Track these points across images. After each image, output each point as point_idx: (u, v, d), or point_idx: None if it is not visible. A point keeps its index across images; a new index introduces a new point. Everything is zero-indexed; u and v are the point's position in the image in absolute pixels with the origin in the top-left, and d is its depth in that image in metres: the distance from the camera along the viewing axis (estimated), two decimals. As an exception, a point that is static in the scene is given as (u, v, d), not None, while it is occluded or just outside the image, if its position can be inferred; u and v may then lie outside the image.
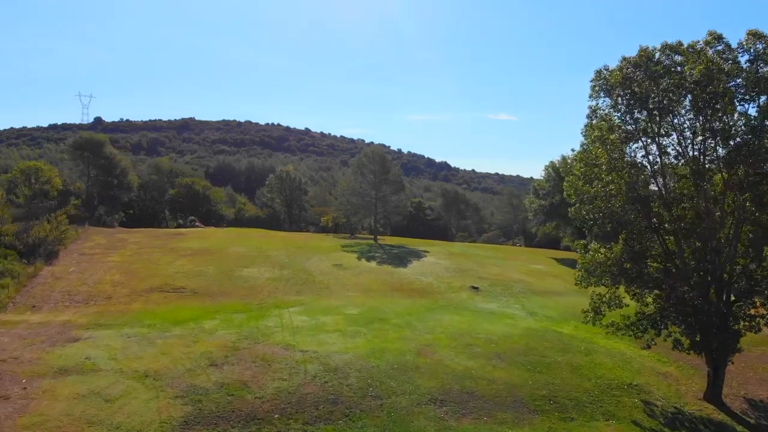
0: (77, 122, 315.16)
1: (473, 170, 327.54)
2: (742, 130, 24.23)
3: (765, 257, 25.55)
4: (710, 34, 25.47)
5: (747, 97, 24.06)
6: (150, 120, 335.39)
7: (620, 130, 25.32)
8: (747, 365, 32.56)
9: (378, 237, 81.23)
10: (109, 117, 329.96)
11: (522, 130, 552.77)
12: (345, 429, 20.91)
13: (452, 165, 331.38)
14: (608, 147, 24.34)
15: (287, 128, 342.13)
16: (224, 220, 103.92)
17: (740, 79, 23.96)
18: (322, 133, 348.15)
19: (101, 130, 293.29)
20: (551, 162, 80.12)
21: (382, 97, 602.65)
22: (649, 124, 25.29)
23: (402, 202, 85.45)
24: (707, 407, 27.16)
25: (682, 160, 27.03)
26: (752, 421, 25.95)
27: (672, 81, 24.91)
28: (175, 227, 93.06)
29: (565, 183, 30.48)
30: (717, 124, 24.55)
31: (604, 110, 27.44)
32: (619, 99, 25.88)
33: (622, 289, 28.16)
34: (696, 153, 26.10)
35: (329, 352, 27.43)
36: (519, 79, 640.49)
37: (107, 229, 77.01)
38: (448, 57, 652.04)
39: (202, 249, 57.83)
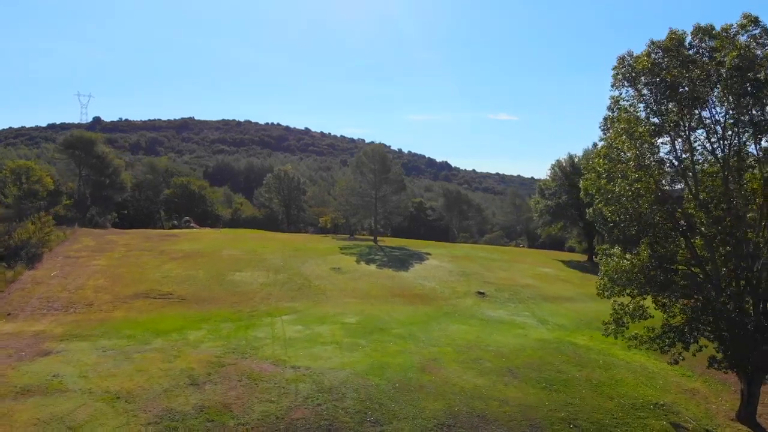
0: (76, 122, 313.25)
1: (474, 170, 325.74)
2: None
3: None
4: (745, 17, 22.83)
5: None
6: (149, 120, 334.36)
7: (648, 123, 22.65)
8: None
9: (378, 238, 78.56)
10: (108, 117, 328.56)
11: (522, 130, 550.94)
12: (340, 462, 18.28)
13: (453, 165, 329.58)
14: (636, 141, 21.65)
15: (287, 128, 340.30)
16: (220, 220, 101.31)
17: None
18: (322, 132, 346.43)
19: (100, 130, 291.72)
20: (557, 161, 77.50)
21: (382, 97, 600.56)
22: (679, 117, 22.60)
23: (403, 203, 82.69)
24: (741, 428, 24.58)
25: (710, 157, 24.40)
26: (794, 446, 23.35)
27: (706, 67, 22.26)
28: (170, 228, 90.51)
29: (583, 181, 27.82)
30: (756, 114, 21.89)
31: (627, 101, 24.78)
32: (646, 88, 23.21)
33: (647, 298, 25.50)
34: (726, 149, 23.46)
35: (324, 369, 24.75)
36: (519, 79, 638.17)
37: (98, 230, 74.37)
38: (448, 57, 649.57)
39: (193, 251, 55.21)
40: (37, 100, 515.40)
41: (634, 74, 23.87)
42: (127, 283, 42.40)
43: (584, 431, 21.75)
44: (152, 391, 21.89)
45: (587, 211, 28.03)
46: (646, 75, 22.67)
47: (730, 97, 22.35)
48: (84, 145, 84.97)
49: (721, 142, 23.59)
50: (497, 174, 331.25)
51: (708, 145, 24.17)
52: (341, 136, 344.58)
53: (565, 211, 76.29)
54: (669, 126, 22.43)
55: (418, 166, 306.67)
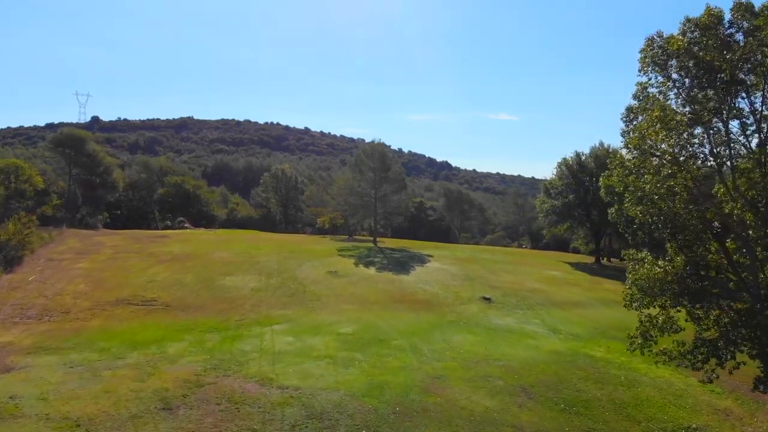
0: (74, 121, 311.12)
1: (474, 170, 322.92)
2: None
3: None
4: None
5: None
6: (148, 119, 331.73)
7: (683, 111, 19.89)
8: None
9: (378, 239, 75.79)
10: (106, 116, 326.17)
11: (522, 130, 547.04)
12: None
13: (453, 165, 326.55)
14: (673, 131, 18.88)
15: (286, 127, 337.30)
16: (216, 220, 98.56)
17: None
18: (321, 132, 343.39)
19: (98, 130, 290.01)
20: (564, 159, 74.50)
21: (382, 96, 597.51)
22: (719, 104, 19.84)
23: (403, 202, 79.87)
24: (783, 456, 21.88)
25: (743, 150, 21.63)
26: None
27: (748, 49, 19.49)
28: (163, 229, 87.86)
29: (603, 179, 25.18)
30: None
31: (656, 88, 22.01)
32: (679, 73, 20.44)
33: (678, 309, 22.73)
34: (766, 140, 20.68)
35: (315, 389, 21.97)
36: (519, 79, 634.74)
37: (87, 231, 71.69)
38: (448, 57, 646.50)
39: (183, 254, 52.51)
40: (35, 99, 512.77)
41: (665, 57, 21.13)
42: (109, 288, 39.74)
43: (611, 462, 19.04)
44: (117, 417, 19.14)
45: (609, 211, 25.35)
46: (681, 57, 19.89)
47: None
48: (74, 143, 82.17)
49: (761, 133, 20.85)
50: (497, 174, 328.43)
51: (742, 138, 21.44)
52: (341, 135, 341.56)
53: (571, 211, 73.48)
54: (707, 114, 19.64)
55: (418, 165, 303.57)
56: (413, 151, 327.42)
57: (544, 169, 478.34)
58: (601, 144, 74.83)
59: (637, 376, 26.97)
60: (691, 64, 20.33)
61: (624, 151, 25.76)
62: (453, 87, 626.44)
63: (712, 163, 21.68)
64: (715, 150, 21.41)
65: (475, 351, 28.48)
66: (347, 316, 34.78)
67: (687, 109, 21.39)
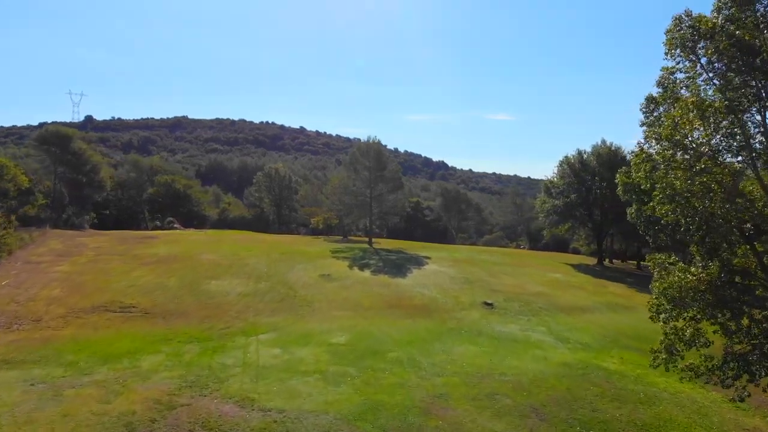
0: (68, 120, 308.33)
1: (470, 170, 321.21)
2: None
3: None
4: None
5: None
6: (142, 118, 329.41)
7: (719, 98, 17.54)
8: None
9: (373, 240, 73.30)
10: (100, 115, 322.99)
11: (519, 130, 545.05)
12: None
13: (449, 164, 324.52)
14: (710, 120, 16.51)
15: (282, 127, 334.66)
16: (207, 221, 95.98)
17: None
18: (317, 131, 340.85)
19: (92, 129, 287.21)
20: (566, 157, 72.17)
21: (379, 97, 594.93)
22: (760, 90, 17.50)
23: (399, 202, 77.39)
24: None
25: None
26: None
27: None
28: (153, 229, 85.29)
29: (620, 175, 22.80)
30: None
31: (684, 73, 19.69)
32: (715, 55, 18.09)
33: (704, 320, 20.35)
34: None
35: (301, 412, 19.54)
36: (516, 80, 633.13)
37: (71, 232, 69.09)
38: (446, 57, 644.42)
39: (169, 256, 49.96)
40: (29, 99, 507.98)
41: (695, 38, 18.80)
42: (86, 294, 37.19)
43: (637, 497, 16.69)
44: (73, 447, 16.70)
45: (628, 210, 22.97)
46: (714, 36, 17.55)
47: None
48: (60, 141, 79.57)
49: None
50: (494, 174, 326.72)
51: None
52: (337, 135, 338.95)
53: (573, 211, 71.21)
54: (748, 101, 17.30)
55: (414, 165, 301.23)
56: (409, 150, 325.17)
57: (541, 170, 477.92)
58: (603, 142, 72.61)
59: (657, 392, 24.65)
60: (725, 46, 18.01)
61: (645, 145, 23.44)
62: (450, 87, 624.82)
63: (743, 157, 19.37)
64: (751, 142, 19.09)
65: (479, 364, 26.09)
66: (339, 324, 32.37)
67: (718, 96, 19.12)
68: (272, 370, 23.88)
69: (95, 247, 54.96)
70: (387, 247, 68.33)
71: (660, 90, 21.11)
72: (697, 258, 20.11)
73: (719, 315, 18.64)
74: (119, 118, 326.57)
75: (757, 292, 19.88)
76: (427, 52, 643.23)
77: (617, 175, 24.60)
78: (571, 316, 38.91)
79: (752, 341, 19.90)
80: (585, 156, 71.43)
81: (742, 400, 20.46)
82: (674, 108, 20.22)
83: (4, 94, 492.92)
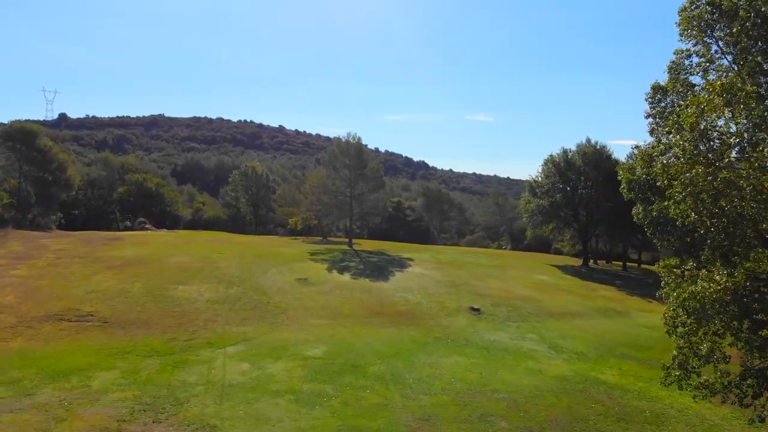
0: (41, 119, 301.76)
1: (451, 170, 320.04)
2: None
3: None
4: None
5: None
6: (117, 116, 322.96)
7: (752, 82, 15.38)
8: None
9: (353, 241, 70.74)
10: (74, 113, 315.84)
11: (499, 131, 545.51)
12: None
13: (430, 164, 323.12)
14: (741, 107, 14.30)
15: (260, 125, 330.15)
16: (181, 221, 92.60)
17: None
18: (297, 130, 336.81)
19: (66, 127, 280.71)
20: (550, 156, 70.31)
21: (359, 97, 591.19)
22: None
23: (381, 202, 74.84)
24: None
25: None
26: None
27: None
28: (123, 230, 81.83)
29: (623, 171, 20.73)
30: None
31: (699, 58, 17.60)
32: (740, 35, 15.98)
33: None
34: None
35: (269, 442, 17.02)
36: (496, 81, 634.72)
37: (36, 233, 65.51)
38: (426, 58, 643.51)
39: (135, 258, 46.92)
40: (1, 96, 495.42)
41: (714, 16, 16.70)
42: (41, 301, 34.19)
43: None
44: (-7, 493, 14.00)
45: (633, 210, 20.87)
46: (742, 10, 15.41)
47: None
48: (24, 138, 75.61)
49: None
50: (474, 174, 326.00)
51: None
52: (317, 134, 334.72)
53: (558, 211, 69.40)
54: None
55: (395, 165, 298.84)
56: (390, 150, 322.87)
57: (520, 170, 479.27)
58: (588, 141, 70.91)
59: (663, 409, 22.53)
60: (752, 24, 15.90)
61: (651, 138, 21.34)
62: (430, 88, 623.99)
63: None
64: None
65: (469, 379, 23.74)
66: (317, 334, 29.84)
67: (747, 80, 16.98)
68: (239, 389, 21.27)
69: (57, 249, 51.67)
70: (368, 248, 65.87)
71: (670, 77, 19.03)
72: (716, 265, 17.98)
73: (745, 329, 16.50)
74: (94, 116, 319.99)
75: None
76: (408, 53, 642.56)
77: (620, 172, 22.52)
78: (563, 322, 36.85)
79: (773, 356, 17.88)
80: (570, 155, 69.68)
81: (762, 420, 18.36)
82: (689, 95, 18.13)
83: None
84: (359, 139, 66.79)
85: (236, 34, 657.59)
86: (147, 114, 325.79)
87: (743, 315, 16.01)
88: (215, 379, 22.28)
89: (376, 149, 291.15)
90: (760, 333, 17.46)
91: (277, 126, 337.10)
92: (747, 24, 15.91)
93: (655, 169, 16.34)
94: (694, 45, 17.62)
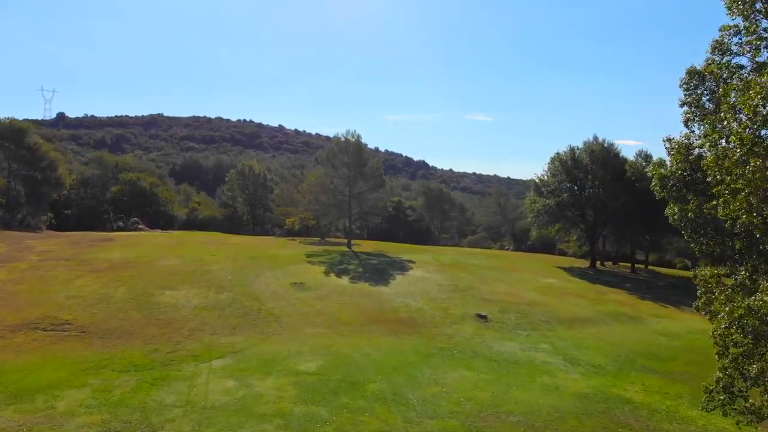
0: (39, 118, 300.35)
1: (451, 170, 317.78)
2: None
3: None
4: None
5: None
6: (116, 116, 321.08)
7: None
8: None
9: (353, 242, 68.32)
10: (73, 113, 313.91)
11: (498, 131, 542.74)
12: None
13: (430, 164, 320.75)
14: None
15: (260, 125, 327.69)
16: (175, 221, 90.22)
17: None
18: (296, 130, 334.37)
19: (64, 127, 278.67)
20: (557, 154, 67.82)
21: (360, 96, 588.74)
22: None
23: (381, 201, 72.29)
24: None
25: None
26: None
27: None
28: (116, 230, 79.46)
29: (659, 167, 18.40)
30: None
31: (751, 34, 15.29)
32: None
33: None
34: None
35: (252, 481, 14.65)
36: (495, 82, 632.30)
37: (24, 233, 63.19)
38: (426, 58, 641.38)
39: (123, 261, 44.56)
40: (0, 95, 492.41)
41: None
42: (17, 307, 31.82)
43: None
44: None
45: (667, 211, 18.48)
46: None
47: None
48: (13, 136, 73.30)
49: None
50: (474, 174, 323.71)
51: None
52: (316, 134, 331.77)
53: (565, 211, 67.01)
54: None
55: (395, 165, 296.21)
56: (390, 150, 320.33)
57: (520, 170, 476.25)
58: (596, 138, 68.46)
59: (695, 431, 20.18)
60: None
61: (685, 130, 18.99)
62: (431, 88, 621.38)
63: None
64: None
65: (480, 398, 21.36)
66: (311, 344, 27.46)
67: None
68: (222, 412, 18.88)
69: (42, 251, 49.28)
70: (368, 249, 63.47)
71: (715, 58, 16.67)
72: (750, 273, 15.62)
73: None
74: (92, 116, 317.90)
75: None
76: (408, 53, 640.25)
77: (651, 168, 20.12)
78: (575, 330, 34.51)
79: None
80: (577, 153, 67.23)
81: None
82: (735, 78, 15.82)
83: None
84: (359, 136, 64.32)
85: (236, 33, 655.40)
86: (146, 113, 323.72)
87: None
88: (196, 400, 19.90)
89: (376, 149, 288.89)
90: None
91: (277, 125, 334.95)
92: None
93: (706, 160, 13.92)
94: (750, 17, 15.28)
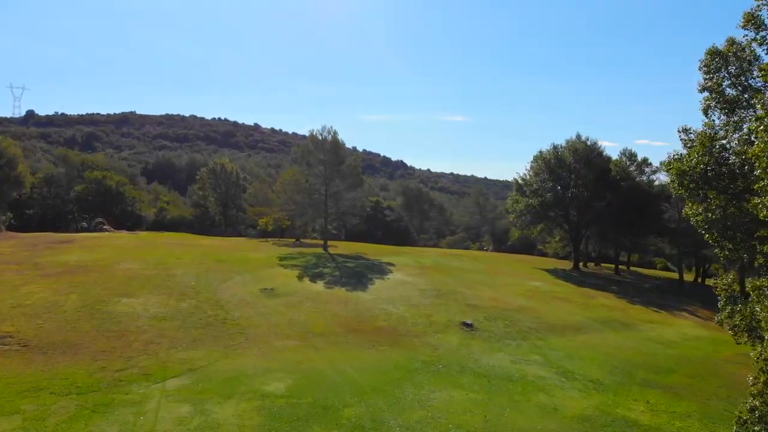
0: (8, 116, 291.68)
1: (429, 170, 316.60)
2: None
3: None
4: None
5: None
6: (87, 114, 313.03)
7: None
8: None
9: (329, 243, 65.45)
10: (43, 110, 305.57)
11: (475, 131, 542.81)
12: None
13: (408, 164, 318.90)
14: None
15: (235, 123, 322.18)
16: (143, 222, 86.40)
17: None
18: (272, 129, 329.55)
19: (33, 124, 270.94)
20: (540, 153, 65.80)
21: (336, 96, 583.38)
22: None
23: (359, 201, 69.47)
24: None
25: None
26: None
27: None
28: (79, 231, 75.49)
29: (678, 161, 16.09)
30: None
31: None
32: None
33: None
34: None
35: None
36: (471, 82, 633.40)
37: (-24, 235, 59.13)
38: (403, 58, 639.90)
39: (79, 265, 41.21)
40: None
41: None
42: (-47, 318, 28.45)
43: None
44: None
45: (690, 212, 16.11)
46: None
47: None
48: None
49: None
50: (451, 174, 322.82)
51: None
52: (293, 133, 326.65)
53: (548, 211, 65.07)
54: None
55: (373, 164, 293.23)
56: (368, 149, 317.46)
57: (497, 170, 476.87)
58: (579, 136, 66.63)
59: (714, 461, 17.90)
60: None
61: (705, 118, 16.66)
62: (408, 88, 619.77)
63: None
64: None
65: (470, 424, 18.78)
66: (280, 360, 24.65)
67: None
68: (171, 447, 16.04)
69: (-6, 253, 45.65)
70: (345, 251, 60.73)
71: (749, 33, 14.36)
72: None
73: None
74: (63, 114, 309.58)
75: None
76: (386, 53, 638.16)
77: (668, 163, 17.78)
78: (566, 339, 32.25)
79: None
80: (560, 151, 65.34)
81: None
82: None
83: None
84: (335, 133, 61.30)
85: (211, 31, 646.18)
86: (117, 111, 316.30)
87: None
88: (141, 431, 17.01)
89: (354, 148, 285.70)
90: None
91: (252, 124, 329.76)
92: None
93: (754, 149, 11.51)
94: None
